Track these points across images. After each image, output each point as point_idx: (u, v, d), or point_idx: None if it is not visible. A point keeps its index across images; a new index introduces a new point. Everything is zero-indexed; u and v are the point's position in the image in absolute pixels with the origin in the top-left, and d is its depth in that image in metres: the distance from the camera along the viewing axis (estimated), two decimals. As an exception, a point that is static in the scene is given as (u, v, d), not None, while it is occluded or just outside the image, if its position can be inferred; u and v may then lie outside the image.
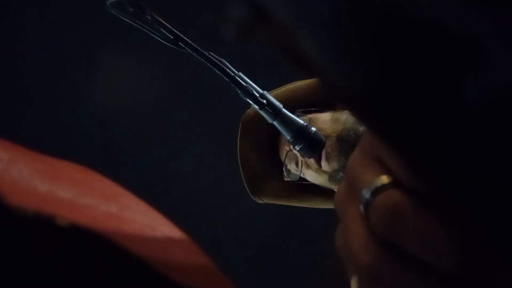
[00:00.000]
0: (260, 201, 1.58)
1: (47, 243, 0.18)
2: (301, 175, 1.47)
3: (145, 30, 1.09)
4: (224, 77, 1.09)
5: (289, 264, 2.51)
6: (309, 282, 2.51)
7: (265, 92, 1.11)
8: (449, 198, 0.27)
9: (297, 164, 1.45)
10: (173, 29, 1.08)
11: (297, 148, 1.15)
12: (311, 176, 1.46)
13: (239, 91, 1.10)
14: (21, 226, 0.18)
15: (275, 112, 1.10)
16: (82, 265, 0.18)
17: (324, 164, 1.38)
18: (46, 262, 0.18)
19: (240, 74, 1.10)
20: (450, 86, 0.23)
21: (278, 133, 1.49)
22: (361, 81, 0.26)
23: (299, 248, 2.49)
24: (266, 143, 1.48)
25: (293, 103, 1.30)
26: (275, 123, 1.12)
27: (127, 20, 1.09)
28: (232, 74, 1.09)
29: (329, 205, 1.57)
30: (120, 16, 1.08)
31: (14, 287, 0.18)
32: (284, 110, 1.12)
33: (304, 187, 1.54)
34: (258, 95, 1.10)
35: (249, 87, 1.09)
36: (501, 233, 0.26)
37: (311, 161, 1.40)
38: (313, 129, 1.14)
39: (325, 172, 1.40)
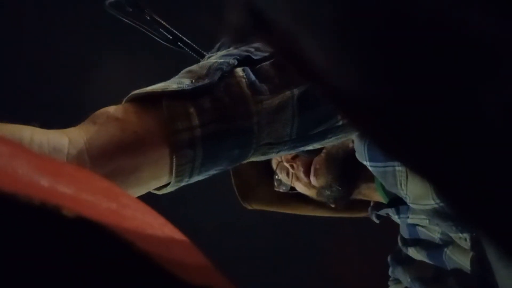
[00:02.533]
0: (249, 207, 1.58)
1: (53, 233, 0.18)
2: (291, 186, 1.48)
3: (144, 31, 1.09)
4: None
5: (287, 263, 2.51)
6: (306, 282, 2.50)
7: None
8: (467, 209, 0.26)
9: (287, 174, 1.45)
10: (172, 29, 1.07)
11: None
12: (301, 189, 1.45)
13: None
14: (27, 215, 0.18)
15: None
16: (88, 256, 0.18)
17: (312, 179, 1.38)
18: (52, 252, 0.18)
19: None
20: (467, 93, 0.22)
21: None
22: (369, 89, 0.25)
23: (298, 248, 2.48)
24: None
25: None
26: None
27: (126, 21, 1.08)
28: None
29: (320, 213, 1.57)
30: (119, 16, 1.08)
31: (19, 277, 0.17)
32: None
33: (294, 195, 1.54)
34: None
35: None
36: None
37: (301, 175, 1.40)
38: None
39: (314, 187, 1.40)
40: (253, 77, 0.66)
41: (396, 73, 0.24)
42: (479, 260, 1.13)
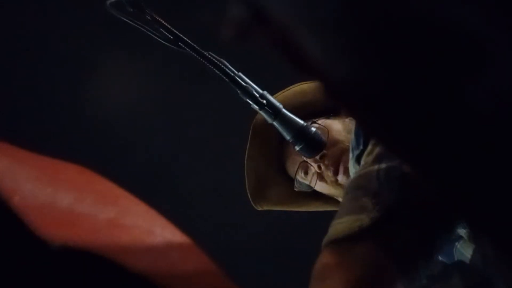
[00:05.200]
0: (259, 208, 1.57)
1: (42, 268, 0.18)
2: (313, 186, 1.47)
3: (145, 31, 1.09)
4: (224, 77, 1.09)
5: (291, 265, 2.51)
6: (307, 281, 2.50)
7: (265, 92, 1.11)
8: (454, 199, 0.27)
9: (305, 174, 1.44)
10: (173, 29, 1.08)
11: (297, 148, 1.15)
12: (323, 188, 1.45)
13: (238, 91, 1.09)
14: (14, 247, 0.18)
15: (275, 112, 1.10)
16: (79, 284, 0.18)
17: (341, 177, 1.37)
18: (40, 284, 0.18)
19: (240, 74, 1.10)
20: (455, 87, 0.22)
21: (286, 140, 1.48)
22: (363, 81, 0.26)
23: (302, 248, 2.48)
24: (274, 150, 1.47)
25: (303, 106, 1.30)
26: (274, 123, 1.12)
27: (127, 21, 1.09)
28: (232, 74, 1.09)
29: (326, 208, 1.57)
30: (120, 16, 1.08)
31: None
32: (284, 110, 1.11)
33: (305, 194, 1.54)
34: (258, 95, 1.10)
35: (249, 87, 1.09)
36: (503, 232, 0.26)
37: (329, 174, 1.39)
38: (313, 129, 1.14)
39: (341, 185, 1.39)
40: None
41: (389, 65, 0.24)
42: (481, 253, 1.13)
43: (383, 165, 0.85)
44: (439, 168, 0.26)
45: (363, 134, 1.02)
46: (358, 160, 1.03)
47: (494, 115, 0.23)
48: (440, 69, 0.24)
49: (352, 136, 1.15)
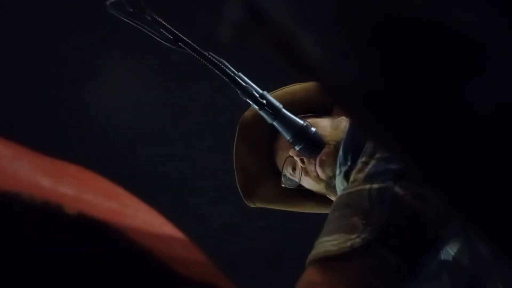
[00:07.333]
0: (252, 205, 1.57)
1: (55, 231, 0.18)
2: (299, 182, 1.47)
3: (144, 31, 1.09)
4: (224, 77, 1.09)
5: (291, 265, 2.51)
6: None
7: (264, 93, 1.11)
8: (453, 200, 0.27)
9: (293, 170, 1.45)
10: (173, 29, 1.08)
11: (297, 148, 1.15)
12: (309, 183, 1.45)
13: (238, 91, 1.10)
14: (29, 215, 0.18)
15: (275, 112, 1.10)
16: (89, 253, 0.19)
17: (319, 170, 1.38)
18: (54, 250, 0.18)
19: (240, 74, 1.10)
20: (455, 87, 0.22)
21: (275, 137, 1.48)
22: (363, 82, 0.26)
23: (298, 247, 2.49)
24: (263, 147, 1.47)
25: (292, 106, 1.30)
26: (274, 123, 1.12)
27: (127, 21, 1.09)
28: (232, 74, 1.09)
29: (321, 210, 1.57)
30: (120, 16, 1.08)
31: (23, 274, 0.18)
32: (284, 110, 1.12)
33: (298, 192, 1.54)
34: (257, 95, 1.10)
35: (249, 87, 1.09)
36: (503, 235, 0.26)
37: (311, 168, 1.39)
38: (313, 129, 1.14)
39: (322, 179, 1.40)
40: (415, 187, 0.76)
41: (389, 65, 0.24)
42: (472, 253, 1.13)
43: (375, 185, 0.86)
44: (439, 169, 0.26)
45: (352, 151, 1.04)
46: (346, 176, 1.05)
47: (494, 115, 0.23)
48: (441, 69, 0.24)
49: (340, 153, 1.16)
